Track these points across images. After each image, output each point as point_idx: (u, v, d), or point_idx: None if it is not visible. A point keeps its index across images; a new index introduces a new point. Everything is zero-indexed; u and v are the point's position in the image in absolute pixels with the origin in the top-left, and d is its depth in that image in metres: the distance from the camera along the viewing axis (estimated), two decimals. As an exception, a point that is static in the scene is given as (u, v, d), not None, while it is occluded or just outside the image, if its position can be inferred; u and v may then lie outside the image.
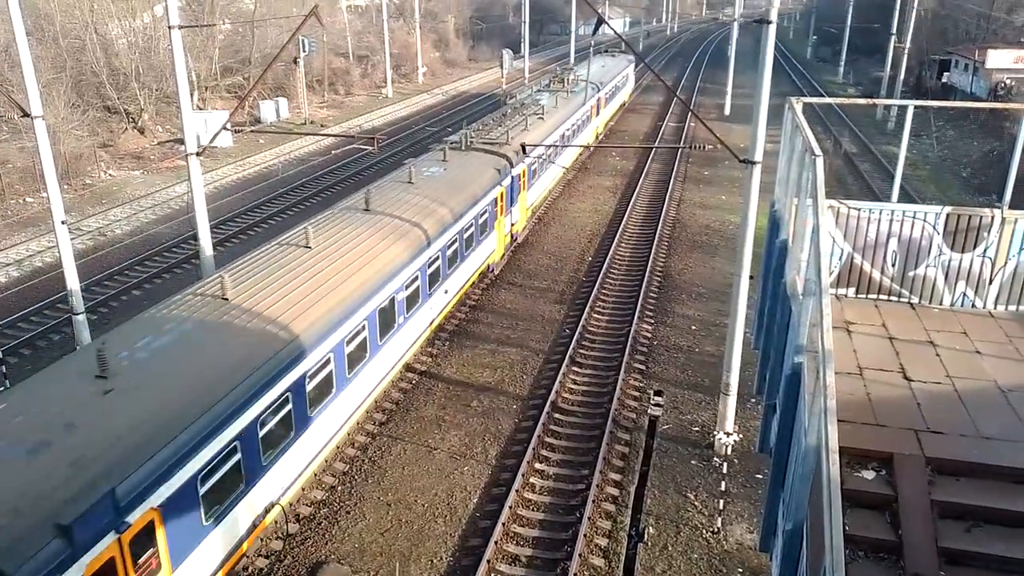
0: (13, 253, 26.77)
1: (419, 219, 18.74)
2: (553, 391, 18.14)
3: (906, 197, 32.35)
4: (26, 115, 16.23)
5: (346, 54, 64.21)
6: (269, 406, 11.83)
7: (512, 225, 26.43)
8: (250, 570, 12.92)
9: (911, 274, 9.52)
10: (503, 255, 25.90)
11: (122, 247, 27.75)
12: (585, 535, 13.72)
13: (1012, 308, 9.40)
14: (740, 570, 13.22)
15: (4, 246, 27.29)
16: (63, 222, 17.07)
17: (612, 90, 48.97)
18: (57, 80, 37.84)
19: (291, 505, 13.83)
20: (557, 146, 31.78)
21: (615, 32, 17.96)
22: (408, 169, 22.06)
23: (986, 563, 5.43)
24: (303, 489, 14.34)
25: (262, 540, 13.22)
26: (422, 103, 59.64)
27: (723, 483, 15.01)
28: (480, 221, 22.31)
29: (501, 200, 24.28)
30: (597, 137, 44.27)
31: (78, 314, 17.80)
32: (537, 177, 29.86)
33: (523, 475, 15.30)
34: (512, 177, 25.24)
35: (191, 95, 37.40)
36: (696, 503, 14.80)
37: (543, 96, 36.65)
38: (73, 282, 17.55)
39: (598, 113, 43.14)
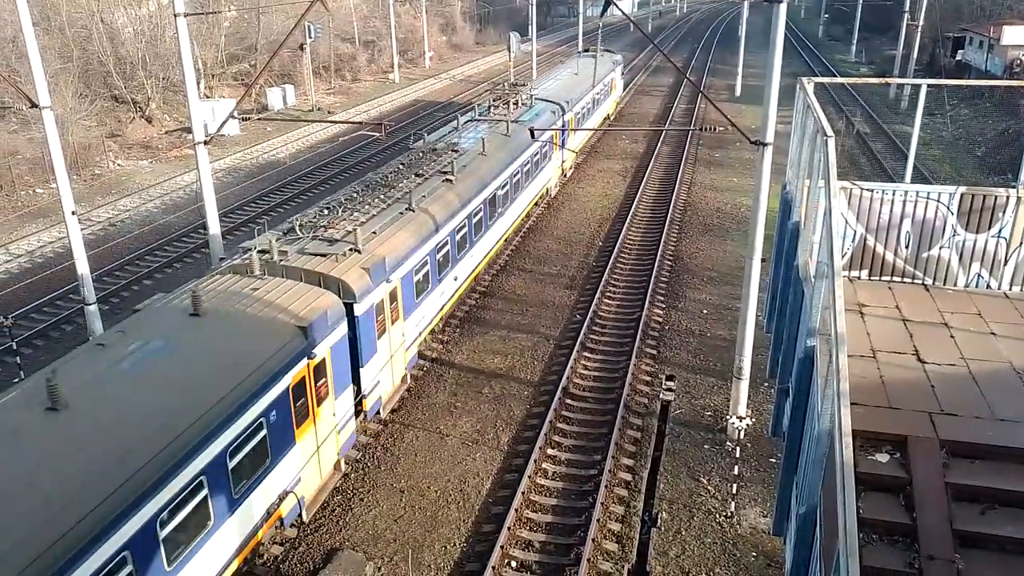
0: (24, 244, 26.93)
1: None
2: (565, 377, 18.12)
3: (920, 178, 32.04)
4: (34, 106, 16.26)
5: (352, 39, 63.97)
6: None
7: (360, 414, 15.30)
8: (265, 557, 13.02)
9: (925, 255, 9.43)
10: (317, 494, 13.68)
11: (132, 237, 27.86)
12: (598, 520, 13.73)
13: (1028, 288, 9.29)
14: (754, 554, 13.21)
15: (15, 237, 27.45)
16: (73, 213, 17.15)
17: (587, 107, 37.00)
18: (64, 70, 37.89)
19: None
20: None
21: (623, 13, 17.80)
22: (41, 385, 9.93)
23: (1002, 545, 5.39)
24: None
25: (276, 528, 13.29)
26: (429, 88, 59.42)
27: (736, 467, 14.98)
28: (235, 465, 10.93)
29: (309, 385, 12.66)
30: (564, 174, 33.69)
31: (90, 304, 17.90)
32: (430, 287, 18.18)
33: (535, 461, 15.31)
34: (360, 317, 14.45)
35: (198, 83, 37.35)
36: (709, 487, 14.78)
37: (472, 135, 24.69)
38: (84, 272, 17.63)
39: (561, 146, 32.15)
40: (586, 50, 46.57)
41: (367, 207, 17.60)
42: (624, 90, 53.70)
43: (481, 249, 22.41)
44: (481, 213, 21.85)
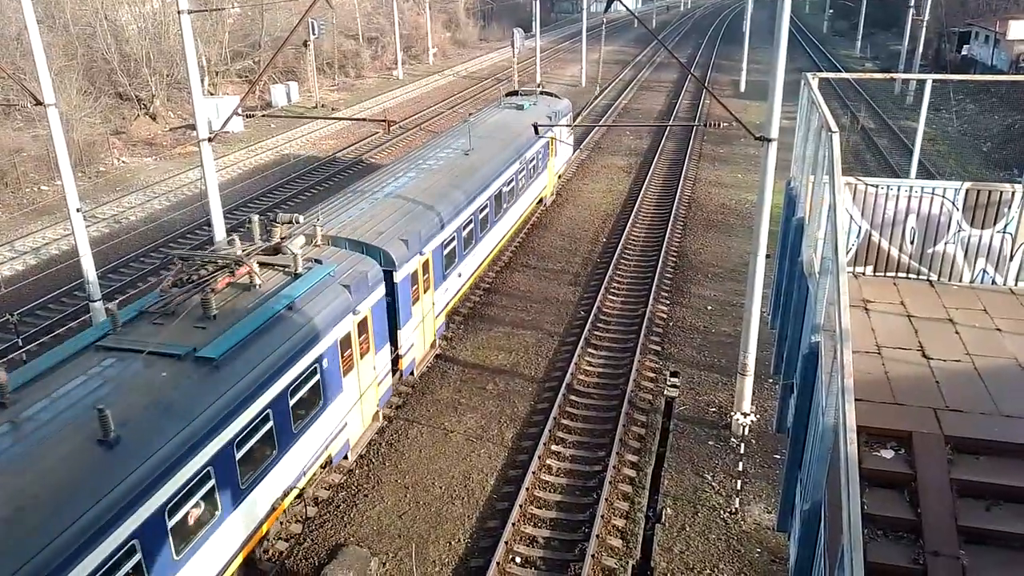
0: (30, 241, 27.01)
1: None
2: (569, 373, 18.13)
3: (925, 173, 31.95)
4: (39, 103, 16.31)
5: (356, 36, 63.95)
6: None
7: None
8: (271, 552, 13.06)
9: (930, 251, 9.40)
10: None
11: (137, 234, 27.92)
12: (602, 516, 13.74)
13: (1033, 284, 9.25)
14: (758, 550, 13.21)
15: (21, 234, 27.53)
16: (78, 210, 17.20)
17: (468, 225, 20.04)
18: (69, 68, 37.95)
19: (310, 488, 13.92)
20: None
21: (627, 9, 17.75)
22: None
23: (1007, 541, 5.38)
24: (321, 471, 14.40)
25: (281, 523, 13.34)
26: (433, 84, 59.38)
27: (741, 463, 14.98)
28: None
29: None
30: (404, 375, 17.39)
31: (95, 301, 17.97)
32: None
33: (540, 457, 15.33)
34: None
35: (201, 80, 37.40)
36: (713, 484, 14.79)
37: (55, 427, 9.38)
38: (89, 270, 17.71)
39: (390, 340, 16.07)
40: (514, 93, 31.40)
41: None
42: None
43: None
44: None
